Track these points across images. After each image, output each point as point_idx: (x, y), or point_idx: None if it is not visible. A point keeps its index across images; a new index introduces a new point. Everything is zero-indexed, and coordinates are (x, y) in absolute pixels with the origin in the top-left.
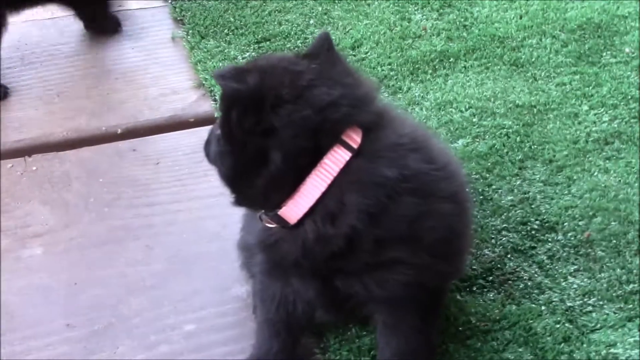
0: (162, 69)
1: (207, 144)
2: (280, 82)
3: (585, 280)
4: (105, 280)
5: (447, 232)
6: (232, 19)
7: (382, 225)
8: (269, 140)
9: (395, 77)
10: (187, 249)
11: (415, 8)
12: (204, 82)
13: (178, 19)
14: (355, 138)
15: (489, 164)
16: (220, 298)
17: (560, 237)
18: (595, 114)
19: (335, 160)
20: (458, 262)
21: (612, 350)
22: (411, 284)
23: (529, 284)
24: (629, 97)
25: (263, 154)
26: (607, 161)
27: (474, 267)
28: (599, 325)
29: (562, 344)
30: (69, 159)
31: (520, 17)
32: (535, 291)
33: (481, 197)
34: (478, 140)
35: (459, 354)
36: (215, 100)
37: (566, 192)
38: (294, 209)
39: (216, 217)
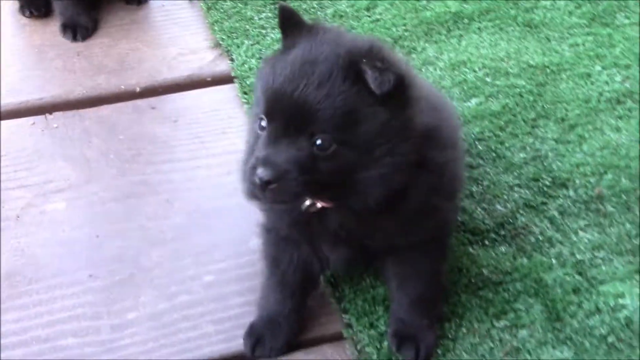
0: (180, 30)
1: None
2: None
3: (595, 234)
4: (126, 233)
5: (456, 176)
6: None
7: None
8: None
9: (409, 38)
10: (206, 203)
11: None
12: (220, 42)
13: None
14: None
15: (502, 122)
16: (238, 250)
17: (571, 193)
18: (607, 74)
19: None
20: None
21: (620, 301)
22: (438, 227)
23: (540, 238)
24: None
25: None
26: (619, 120)
27: (486, 221)
28: (608, 278)
29: (572, 295)
30: (89, 117)
31: None
32: (546, 245)
33: (494, 154)
34: (491, 99)
35: (471, 304)
36: (232, 59)
37: (578, 150)
38: None
39: (234, 173)
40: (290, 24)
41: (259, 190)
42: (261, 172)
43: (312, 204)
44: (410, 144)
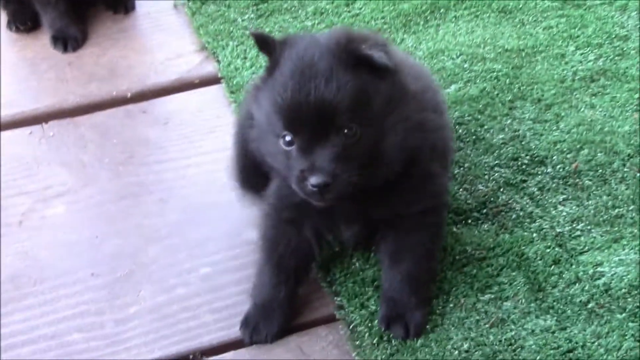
0: (167, 35)
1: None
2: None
3: (574, 207)
4: (124, 232)
5: (448, 143)
6: None
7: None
8: None
9: (388, 30)
10: (199, 199)
11: None
12: (206, 45)
13: None
14: None
15: (481, 106)
16: (232, 242)
17: (549, 169)
18: (581, 54)
19: None
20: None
21: (599, 269)
22: (435, 195)
23: (521, 214)
24: (613, 35)
25: None
26: (593, 97)
27: (469, 201)
28: (586, 248)
29: (552, 266)
30: (83, 124)
31: None
32: (527, 220)
33: (474, 137)
34: (469, 84)
35: (457, 280)
36: (218, 61)
37: (554, 128)
38: None
39: (224, 169)
40: (268, 45)
41: (318, 196)
42: (315, 179)
43: None
44: (410, 108)
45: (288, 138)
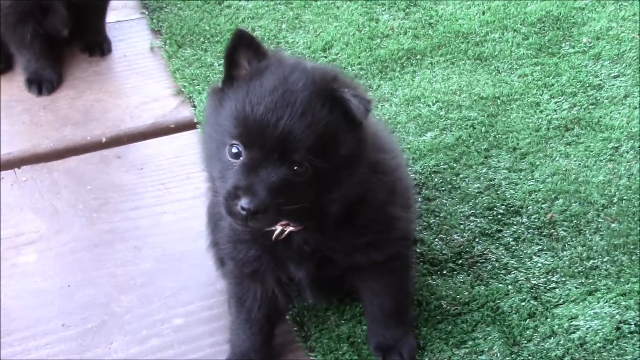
0: (143, 79)
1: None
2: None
3: (549, 259)
4: (97, 281)
5: (407, 183)
6: (207, 27)
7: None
8: None
9: (365, 76)
10: (174, 248)
11: (383, 9)
12: (182, 89)
13: (156, 29)
14: None
15: (456, 154)
16: (206, 292)
17: (524, 219)
18: (555, 102)
19: None
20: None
21: (573, 322)
22: (398, 240)
23: (496, 265)
24: (587, 84)
25: None
26: (568, 146)
27: (444, 251)
28: (561, 300)
29: (527, 320)
30: (57, 169)
31: (483, 13)
32: (502, 272)
33: (449, 185)
34: (445, 132)
35: (431, 337)
36: (194, 106)
37: (530, 177)
38: None
39: (199, 216)
40: (250, 50)
41: (241, 220)
42: (246, 203)
43: (282, 231)
44: (366, 162)
45: (235, 150)
